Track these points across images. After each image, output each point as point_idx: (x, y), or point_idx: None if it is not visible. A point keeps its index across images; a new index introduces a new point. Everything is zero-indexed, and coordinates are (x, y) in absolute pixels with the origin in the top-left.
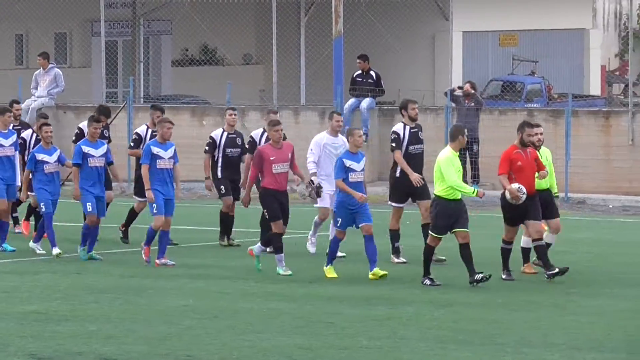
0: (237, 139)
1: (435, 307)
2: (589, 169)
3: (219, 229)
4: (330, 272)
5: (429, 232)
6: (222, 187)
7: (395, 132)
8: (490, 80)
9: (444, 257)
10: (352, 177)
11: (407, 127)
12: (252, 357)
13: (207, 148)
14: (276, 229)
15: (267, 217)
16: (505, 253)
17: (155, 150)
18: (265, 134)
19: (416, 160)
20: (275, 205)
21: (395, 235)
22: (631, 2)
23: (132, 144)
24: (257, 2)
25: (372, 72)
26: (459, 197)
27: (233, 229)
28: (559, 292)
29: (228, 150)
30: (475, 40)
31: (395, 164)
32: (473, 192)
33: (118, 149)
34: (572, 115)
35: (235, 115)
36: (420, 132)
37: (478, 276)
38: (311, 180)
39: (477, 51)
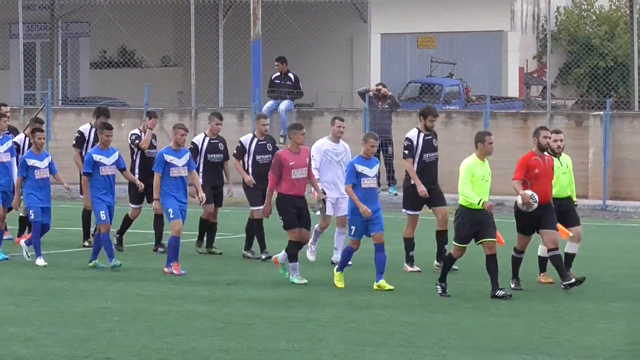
0: (220, 144)
1: (353, 309)
2: (508, 170)
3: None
4: (339, 280)
5: (453, 242)
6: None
7: (408, 140)
8: (408, 82)
9: (456, 267)
10: (365, 183)
11: (422, 135)
12: (171, 359)
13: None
14: (292, 237)
15: (282, 225)
16: (516, 262)
17: (169, 158)
18: (256, 139)
19: (430, 168)
20: (292, 213)
21: (409, 244)
22: (549, 4)
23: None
24: (175, 4)
25: (290, 74)
26: (481, 207)
27: (216, 237)
28: (477, 294)
29: (210, 155)
30: (394, 43)
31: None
32: (479, 203)
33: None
34: (490, 117)
35: (219, 125)
36: (434, 140)
37: (499, 292)
38: (323, 198)
39: (395, 53)
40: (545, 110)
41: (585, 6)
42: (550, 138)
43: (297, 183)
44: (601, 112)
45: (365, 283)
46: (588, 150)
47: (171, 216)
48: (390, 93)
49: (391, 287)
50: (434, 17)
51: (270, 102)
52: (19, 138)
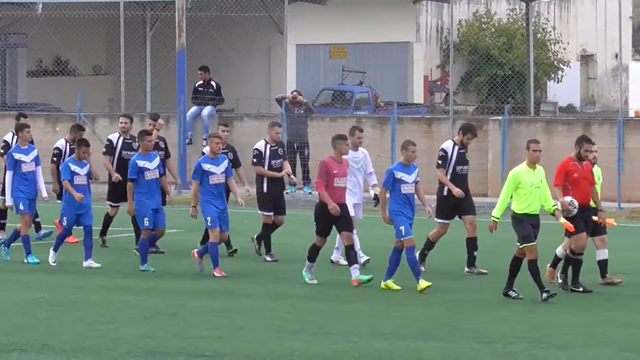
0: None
1: (271, 299)
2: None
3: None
4: (390, 284)
5: (518, 244)
6: None
7: (443, 150)
8: (322, 89)
9: (485, 271)
10: (405, 189)
11: (457, 148)
12: (101, 346)
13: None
14: (319, 243)
15: (315, 229)
16: (572, 263)
17: (207, 166)
18: (269, 145)
19: (462, 180)
20: (326, 222)
21: (430, 245)
22: (452, 17)
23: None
24: (106, 17)
25: (212, 82)
26: (536, 213)
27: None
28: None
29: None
30: (308, 53)
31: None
32: (497, 216)
33: None
34: (398, 122)
35: (226, 132)
36: (466, 154)
37: (544, 295)
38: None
39: (309, 63)
40: (448, 115)
41: (485, 19)
42: (592, 152)
43: (338, 191)
44: (500, 117)
45: (283, 275)
46: (488, 153)
47: (209, 224)
48: (304, 100)
49: (398, 288)
50: (345, 30)
51: (194, 108)
52: (60, 143)
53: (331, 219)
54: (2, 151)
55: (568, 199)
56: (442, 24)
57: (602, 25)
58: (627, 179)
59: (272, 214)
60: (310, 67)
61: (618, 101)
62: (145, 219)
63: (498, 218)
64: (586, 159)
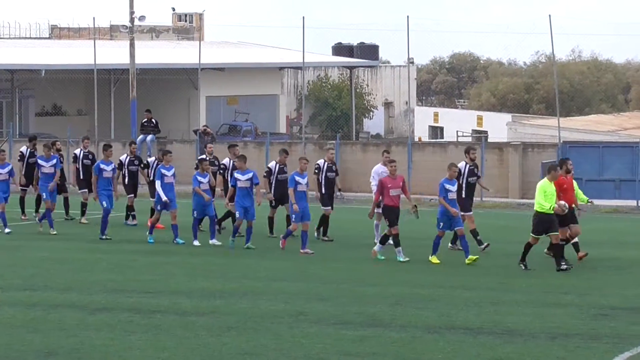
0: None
1: (192, 256)
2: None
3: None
4: (434, 259)
5: (530, 233)
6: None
7: (459, 168)
8: (222, 124)
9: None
10: (450, 196)
11: (467, 165)
12: (83, 286)
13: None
14: (394, 231)
15: (387, 223)
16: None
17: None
18: (277, 165)
19: (472, 188)
20: (393, 216)
21: (475, 232)
22: (304, 78)
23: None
24: (85, 78)
25: (153, 120)
26: (551, 211)
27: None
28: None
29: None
30: (214, 101)
31: None
32: (550, 209)
33: None
34: (270, 144)
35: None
36: (476, 169)
37: (563, 266)
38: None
39: (214, 107)
40: (302, 140)
41: (324, 80)
42: (571, 167)
43: (394, 198)
44: (334, 142)
45: (201, 241)
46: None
47: (237, 216)
48: (211, 131)
49: (477, 257)
50: (237, 86)
51: (141, 136)
52: (150, 160)
53: (395, 213)
54: (18, 159)
55: (562, 202)
56: (297, 82)
57: (398, 83)
58: (413, 181)
59: (328, 208)
60: (214, 110)
61: (407, 131)
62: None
63: (551, 206)
64: (570, 172)
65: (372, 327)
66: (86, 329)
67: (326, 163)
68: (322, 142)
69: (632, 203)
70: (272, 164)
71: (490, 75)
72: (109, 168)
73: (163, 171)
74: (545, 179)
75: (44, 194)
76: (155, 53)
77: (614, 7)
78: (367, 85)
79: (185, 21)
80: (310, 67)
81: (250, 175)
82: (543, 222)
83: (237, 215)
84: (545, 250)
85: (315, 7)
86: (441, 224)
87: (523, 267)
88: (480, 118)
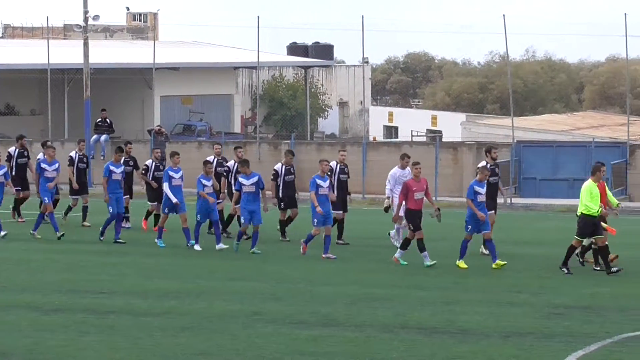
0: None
1: (145, 257)
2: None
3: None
4: (461, 264)
5: (575, 236)
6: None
7: (478, 167)
8: (176, 124)
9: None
10: (479, 199)
11: (489, 164)
12: (38, 286)
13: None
14: (418, 235)
15: (411, 228)
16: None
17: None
18: (284, 167)
19: (494, 187)
20: (418, 220)
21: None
22: (258, 78)
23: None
24: (39, 78)
25: (108, 120)
26: (597, 214)
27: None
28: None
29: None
30: (168, 101)
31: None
32: (597, 211)
33: None
34: (225, 144)
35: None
36: (497, 169)
37: (614, 269)
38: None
39: (168, 107)
40: (256, 140)
41: (279, 79)
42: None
43: (418, 201)
44: (289, 141)
45: (153, 242)
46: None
47: (242, 221)
48: (165, 131)
49: (504, 262)
50: (191, 86)
51: (95, 136)
52: (148, 163)
53: (419, 216)
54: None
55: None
56: (252, 82)
57: (352, 83)
58: (368, 179)
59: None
60: (169, 109)
61: (362, 131)
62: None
63: (598, 209)
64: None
65: (326, 327)
66: (41, 330)
67: (338, 165)
68: (276, 142)
69: None
70: (278, 166)
71: (445, 75)
72: (119, 170)
73: (171, 173)
74: (590, 180)
75: (45, 197)
76: (109, 53)
77: (567, 8)
78: (322, 85)
79: (140, 21)
80: (265, 66)
81: (255, 179)
82: (589, 225)
83: (243, 220)
84: (577, 254)
85: (270, 7)
86: (469, 227)
87: (566, 271)
88: (434, 118)
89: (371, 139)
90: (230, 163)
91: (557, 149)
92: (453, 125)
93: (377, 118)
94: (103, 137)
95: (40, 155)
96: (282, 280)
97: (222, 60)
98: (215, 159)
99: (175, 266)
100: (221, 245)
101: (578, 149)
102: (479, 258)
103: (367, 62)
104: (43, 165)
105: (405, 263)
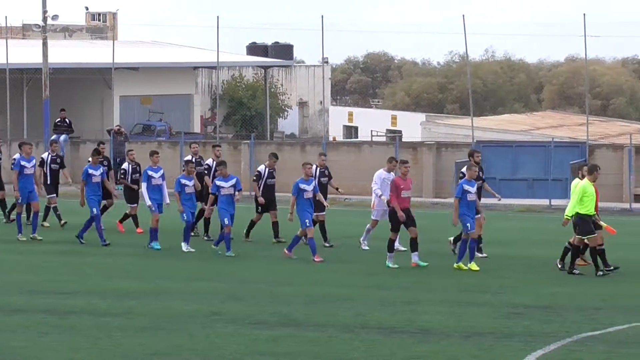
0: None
1: (106, 256)
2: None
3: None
4: (473, 266)
5: (577, 236)
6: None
7: (462, 172)
8: (135, 124)
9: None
10: (469, 197)
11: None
12: (10, 287)
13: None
14: (392, 237)
15: (390, 227)
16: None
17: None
18: (267, 169)
19: (477, 190)
20: (398, 221)
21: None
22: (218, 78)
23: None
24: None
25: (67, 119)
26: (592, 212)
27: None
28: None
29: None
30: (127, 101)
31: None
32: (591, 209)
33: None
34: (185, 144)
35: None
36: (480, 172)
37: (576, 271)
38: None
39: (128, 107)
40: (216, 140)
41: (239, 80)
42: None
43: (404, 200)
44: (248, 141)
45: (114, 241)
46: (241, 164)
47: (226, 223)
48: (124, 131)
49: (477, 269)
50: (150, 86)
51: (54, 136)
52: (208, 161)
53: (405, 215)
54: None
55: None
56: (212, 82)
57: (312, 83)
58: None
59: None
60: (128, 109)
61: (322, 131)
62: (225, 219)
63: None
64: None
65: (287, 327)
66: (2, 331)
67: (318, 168)
68: (236, 142)
69: (545, 202)
70: (261, 168)
71: (405, 75)
72: (98, 173)
73: (150, 173)
74: (586, 179)
75: (22, 197)
76: (68, 52)
77: (526, 8)
78: (282, 85)
79: (99, 20)
80: (224, 66)
81: (233, 181)
82: (587, 223)
83: (226, 222)
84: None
85: (230, 7)
86: (467, 225)
87: (576, 272)
88: (394, 118)
89: (331, 139)
90: (209, 161)
91: (516, 148)
92: (413, 125)
93: (337, 118)
94: (62, 137)
95: (17, 155)
96: (242, 280)
97: (182, 60)
98: (193, 159)
99: (136, 266)
100: (187, 247)
101: (537, 148)
102: (440, 258)
103: (326, 62)
104: (23, 163)
105: (426, 264)
